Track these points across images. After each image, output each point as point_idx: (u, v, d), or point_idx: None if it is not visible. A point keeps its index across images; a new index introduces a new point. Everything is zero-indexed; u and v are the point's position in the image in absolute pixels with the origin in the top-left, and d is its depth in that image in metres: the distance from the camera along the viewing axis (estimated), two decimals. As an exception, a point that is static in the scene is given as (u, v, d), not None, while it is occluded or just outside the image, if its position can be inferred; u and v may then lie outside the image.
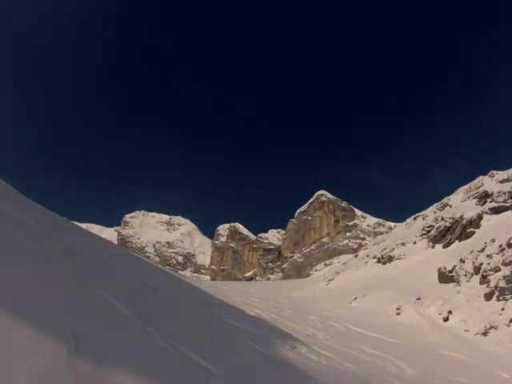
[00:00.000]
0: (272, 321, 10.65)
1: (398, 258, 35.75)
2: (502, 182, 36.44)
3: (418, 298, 21.80)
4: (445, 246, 32.69)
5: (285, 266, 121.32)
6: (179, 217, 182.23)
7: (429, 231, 36.85)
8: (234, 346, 4.98)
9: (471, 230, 31.31)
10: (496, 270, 20.36)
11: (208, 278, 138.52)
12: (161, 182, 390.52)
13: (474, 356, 13.62)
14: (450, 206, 39.48)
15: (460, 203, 37.95)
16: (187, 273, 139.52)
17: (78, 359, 2.34)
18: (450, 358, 12.71)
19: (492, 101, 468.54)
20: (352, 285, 31.56)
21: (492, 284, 19.55)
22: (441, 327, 18.31)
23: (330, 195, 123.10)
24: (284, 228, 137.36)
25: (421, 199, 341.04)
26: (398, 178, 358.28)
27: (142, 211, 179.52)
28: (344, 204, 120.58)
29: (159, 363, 3.02)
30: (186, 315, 5.68)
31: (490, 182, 37.56)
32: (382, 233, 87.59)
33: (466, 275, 22.80)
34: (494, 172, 39.57)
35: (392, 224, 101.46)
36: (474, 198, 36.44)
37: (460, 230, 32.32)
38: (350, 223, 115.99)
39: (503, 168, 39.48)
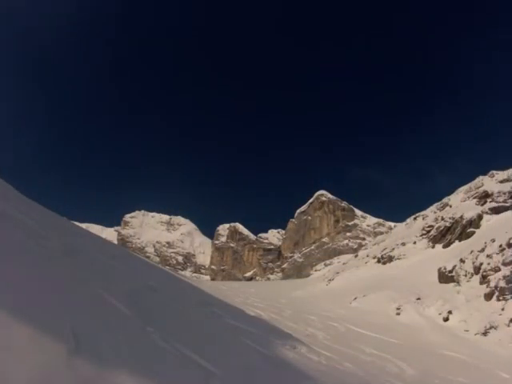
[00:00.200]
0: (272, 321, 10.65)
1: (398, 258, 35.75)
2: (501, 182, 36.45)
3: (418, 298, 21.80)
4: (445, 246, 32.69)
5: (285, 266, 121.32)
6: (179, 217, 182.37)
7: (429, 231, 36.85)
8: (233, 345, 4.98)
9: (471, 230, 31.32)
10: (496, 270, 20.37)
11: (208, 278, 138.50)
12: (161, 181, 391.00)
13: (474, 356, 13.62)
14: (450, 206, 39.48)
15: (460, 203, 37.95)
16: (187, 273, 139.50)
17: (77, 359, 2.34)
18: (450, 358, 12.71)
19: (492, 101, 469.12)
20: (352, 285, 31.56)
21: (492, 284, 19.55)
22: (441, 327, 18.31)
23: (330, 195, 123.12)
24: (284, 228, 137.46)
25: (421, 199, 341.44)
26: (398, 177, 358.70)
27: (142, 211, 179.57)
28: (344, 204, 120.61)
29: (159, 363, 3.02)
30: (186, 315, 5.67)
31: (490, 182, 37.56)
32: (382, 233, 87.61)
33: (466, 275, 22.80)
34: (494, 172, 39.57)
35: (392, 224, 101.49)
36: (474, 197, 36.44)
37: (460, 230, 32.33)
38: (349, 223, 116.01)
39: (503, 168, 39.53)
